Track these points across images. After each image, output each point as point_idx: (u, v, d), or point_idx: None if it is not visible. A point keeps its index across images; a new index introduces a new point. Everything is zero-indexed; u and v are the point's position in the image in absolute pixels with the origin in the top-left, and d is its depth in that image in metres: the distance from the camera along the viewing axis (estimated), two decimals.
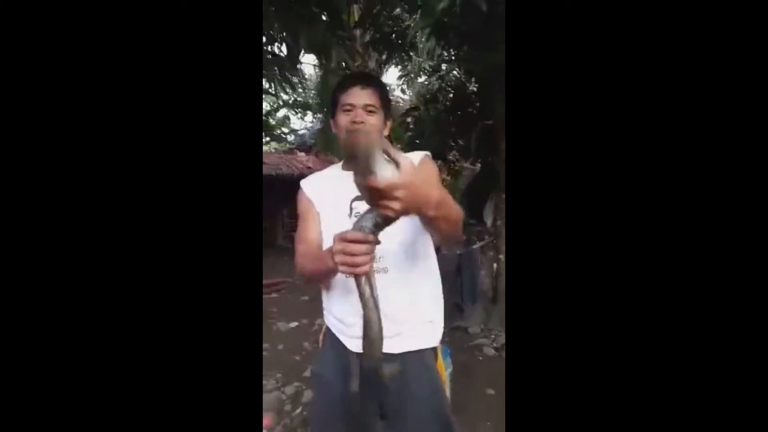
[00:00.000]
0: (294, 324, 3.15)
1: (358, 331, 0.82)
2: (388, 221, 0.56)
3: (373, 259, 0.59)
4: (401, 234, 0.83)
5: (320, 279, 0.87)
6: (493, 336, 2.62)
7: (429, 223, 0.66)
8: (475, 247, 3.08)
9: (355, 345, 0.84)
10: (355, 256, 0.57)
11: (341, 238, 0.58)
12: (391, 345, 0.82)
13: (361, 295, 0.60)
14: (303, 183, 0.95)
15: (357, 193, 0.87)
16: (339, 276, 0.85)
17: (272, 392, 2.16)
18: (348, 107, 0.85)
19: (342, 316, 0.87)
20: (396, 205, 0.52)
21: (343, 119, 0.85)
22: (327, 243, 0.87)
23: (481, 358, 2.42)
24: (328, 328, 0.94)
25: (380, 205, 0.53)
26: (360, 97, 0.85)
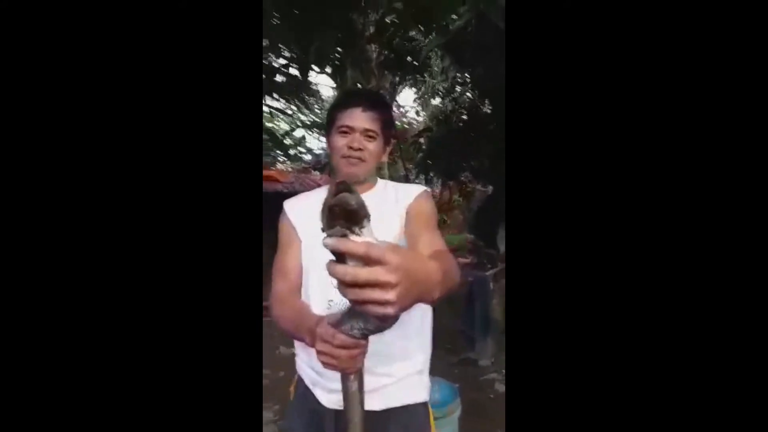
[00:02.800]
0: (294, 350, 3.04)
1: (337, 384, 0.73)
2: (383, 324, 0.41)
3: (364, 356, 0.50)
4: None
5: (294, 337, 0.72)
6: (504, 371, 2.44)
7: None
8: (487, 274, 2.93)
9: (331, 401, 0.73)
10: (343, 359, 0.48)
11: (324, 339, 0.48)
12: (374, 400, 0.71)
13: (345, 392, 0.51)
14: (286, 205, 0.85)
15: None
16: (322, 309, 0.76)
17: (268, 425, 2.03)
18: (345, 129, 0.76)
19: (318, 367, 0.75)
20: (391, 296, 0.36)
21: (339, 141, 0.77)
22: (307, 275, 0.77)
23: (492, 395, 2.25)
24: (300, 379, 0.83)
25: (366, 298, 0.37)
26: (360, 120, 0.76)
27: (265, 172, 6.09)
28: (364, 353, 0.49)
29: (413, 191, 0.81)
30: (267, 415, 2.13)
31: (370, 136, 0.77)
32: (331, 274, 0.36)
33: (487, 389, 2.29)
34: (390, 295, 0.36)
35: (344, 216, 0.36)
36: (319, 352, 0.49)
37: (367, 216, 0.38)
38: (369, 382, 0.70)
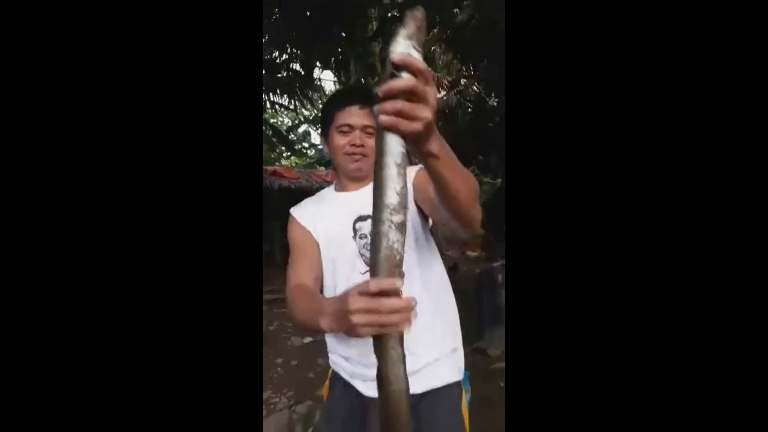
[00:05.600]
0: (308, 339, 3.10)
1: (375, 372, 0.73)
2: (416, 140, 0.42)
3: (414, 308, 0.42)
4: (409, 252, 0.76)
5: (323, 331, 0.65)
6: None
7: (446, 189, 0.52)
8: (495, 265, 2.97)
9: (373, 390, 0.74)
10: (386, 314, 0.41)
11: (361, 291, 0.42)
12: (415, 384, 0.71)
13: (385, 359, 0.42)
14: (294, 211, 0.86)
15: (359, 213, 0.81)
16: None
17: (283, 411, 2.10)
18: (345, 128, 0.79)
19: (356, 356, 0.77)
20: (426, 112, 0.39)
21: (340, 140, 0.79)
22: (331, 275, 0.79)
23: (501, 383, 2.29)
24: (335, 374, 0.84)
25: (405, 109, 0.38)
26: (359, 117, 0.78)
27: (271, 168, 6.13)
28: (409, 309, 0.42)
29: (413, 170, 0.83)
30: (282, 401, 2.20)
31: (370, 133, 0.79)
32: (385, 88, 0.39)
33: (497, 378, 2.34)
34: (424, 113, 0.39)
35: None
36: (355, 312, 0.42)
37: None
38: (410, 364, 0.71)
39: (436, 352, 0.77)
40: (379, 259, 0.41)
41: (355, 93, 0.83)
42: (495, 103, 3.51)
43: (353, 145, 0.78)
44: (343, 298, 0.46)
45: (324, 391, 0.87)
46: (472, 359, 2.58)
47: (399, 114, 0.39)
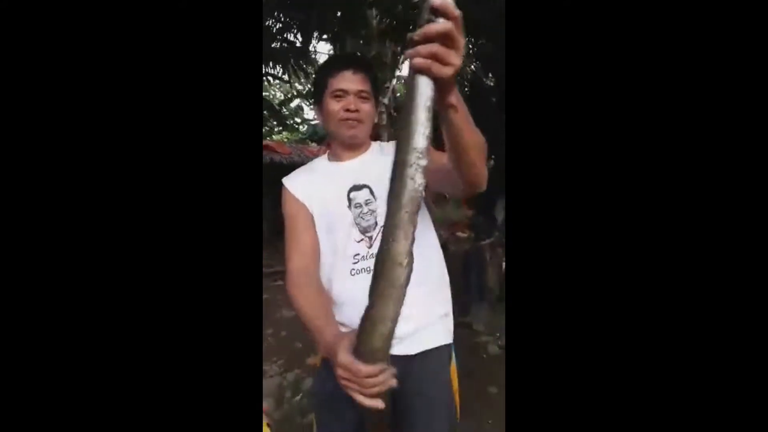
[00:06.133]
0: None
1: None
2: (442, 88, 0.43)
3: (392, 378, 0.48)
4: None
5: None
6: (497, 334, 2.58)
7: (459, 136, 0.54)
8: (483, 243, 3.03)
9: None
10: (365, 387, 0.48)
11: (345, 366, 0.48)
12: (408, 346, 0.78)
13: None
14: (286, 181, 0.85)
15: (353, 182, 0.81)
16: (344, 286, 0.78)
17: (273, 378, 2.16)
18: (339, 93, 0.78)
19: (350, 322, 0.78)
20: (457, 59, 0.41)
21: (334, 106, 0.79)
22: (327, 244, 0.80)
23: (485, 356, 2.39)
24: None
25: (440, 52, 0.40)
26: (353, 82, 0.78)
27: (263, 143, 6.03)
28: (393, 375, 0.48)
29: None
30: (273, 368, 2.26)
31: (364, 97, 0.79)
32: (423, 31, 0.40)
33: (481, 351, 2.43)
34: (456, 60, 0.41)
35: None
36: (339, 367, 0.49)
37: None
38: (402, 327, 0.75)
39: (429, 317, 0.80)
40: (402, 202, 0.42)
41: (349, 58, 0.84)
42: (491, 83, 3.48)
43: (347, 110, 0.78)
44: (337, 344, 0.51)
45: (317, 358, 0.89)
46: (458, 332, 2.68)
47: (434, 57, 0.40)
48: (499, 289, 3.01)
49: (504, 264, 3.14)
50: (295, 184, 0.84)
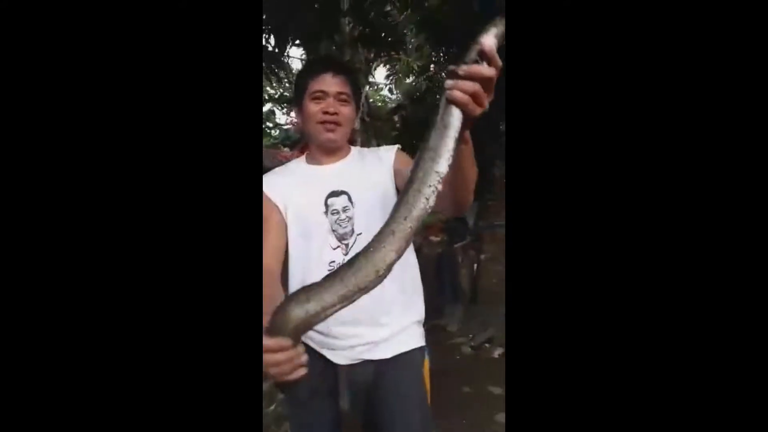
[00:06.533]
0: None
1: (349, 341, 0.78)
2: (467, 124, 0.46)
3: (304, 366, 0.48)
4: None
5: None
6: (470, 335, 2.64)
7: (461, 171, 0.57)
8: (456, 246, 3.09)
9: (342, 357, 0.80)
10: (278, 366, 0.46)
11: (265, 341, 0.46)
12: (384, 350, 0.80)
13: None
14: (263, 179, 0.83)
15: (331, 188, 0.81)
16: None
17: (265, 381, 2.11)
18: (319, 94, 0.78)
19: (325, 328, 0.78)
20: (487, 103, 0.44)
21: (313, 108, 0.79)
22: (302, 251, 0.79)
23: (458, 356, 2.43)
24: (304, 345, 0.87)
25: (478, 92, 0.43)
26: (332, 84, 0.79)
27: None
28: (302, 360, 0.48)
29: (391, 150, 0.86)
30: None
31: (344, 100, 0.79)
32: (469, 69, 0.43)
33: (455, 352, 2.48)
34: (486, 104, 0.44)
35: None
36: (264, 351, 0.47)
37: None
38: (378, 333, 0.78)
39: (403, 322, 0.82)
40: (410, 215, 0.44)
41: (329, 61, 0.85)
42: None
43: (326, 112, 0.78)
44: (265, 328, 0.49)
45: None
46: (433, 334, 2.72)
47: (473, 96, 0.43)
48: (471, 291, 3.08)
49: (476, 266, 3.22)
50: (271, 185, 0.82)
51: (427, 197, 0.44)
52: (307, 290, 0.47)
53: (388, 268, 0.45)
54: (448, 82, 0.44)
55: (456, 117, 0.44)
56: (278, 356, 0.46)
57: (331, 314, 0.46)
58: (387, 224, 0.45)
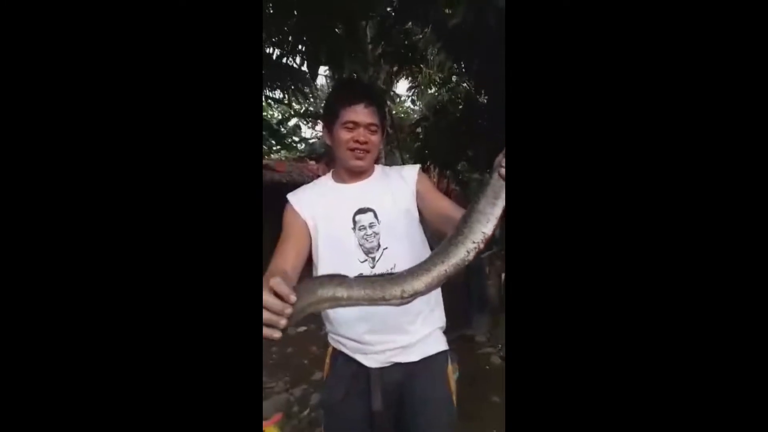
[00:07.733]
0: (302, 328, 3.19)
1: (380, 347, 0.85)
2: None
3: (288, 324, 0.49)
4: (407, 238, 0.86)
5: None
6: (499, 345, 2.62)
7: None
8: (483, 256, 3.09)
9: (374, 361, 0.86)
10: (267, 310, 0.47)
11: (272, 285, 0.48)
12: (411, 354, 0.86)
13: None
14: (291, 197, 0.89)
15: (358, 206, 0.87)
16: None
17: (281, 394, 2.19)
18: (350, 125, 0.83)
19: (357, 336, 0.86)
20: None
21: (344, 135, 0.83)
22: (328, 261, 0.84)
23: (487, 366, 2.43)
24: (336, 353, 0.92)
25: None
26: (364, 115, 0.83)
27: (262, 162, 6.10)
28: (289, 318, 0.48)
29: (414, 169, 0.92)
30: (279, 384, 2.30)
31: (373, 131, 0.85)
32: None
33: (483, 361, 2.47)
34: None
35: None
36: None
37: None
38: (406, 339, 0.85)
39: (428, 329, 0.90)
40: (448, 261, 0.52)
41: (360, 90, 0.86)
42: (485, 101, 3.61)
43: (357, 141, 0.84)
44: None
45: (325, 368, 0.94)
46: (461, 344, 2.72)
47: None
48: (498, 300, 3.06)
49: (503, 276, 3.20)
50: (300, 200, 0.87)
51: (468, 251, 0.51)
52: (341, 278, 0.53)
53: (412, 297, 0.51)
54: (500, 162, 0.51)
55: (503, 189, 0.51)
56: (275, 302, 0.47)
57: (350, 306, 0.52)
58: (426, 261, 0.52)
